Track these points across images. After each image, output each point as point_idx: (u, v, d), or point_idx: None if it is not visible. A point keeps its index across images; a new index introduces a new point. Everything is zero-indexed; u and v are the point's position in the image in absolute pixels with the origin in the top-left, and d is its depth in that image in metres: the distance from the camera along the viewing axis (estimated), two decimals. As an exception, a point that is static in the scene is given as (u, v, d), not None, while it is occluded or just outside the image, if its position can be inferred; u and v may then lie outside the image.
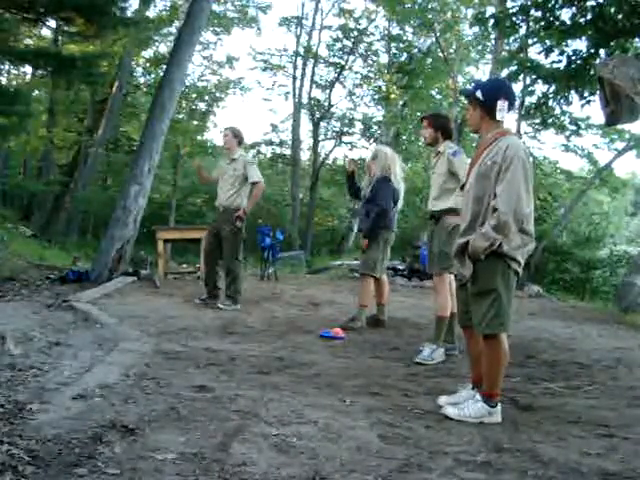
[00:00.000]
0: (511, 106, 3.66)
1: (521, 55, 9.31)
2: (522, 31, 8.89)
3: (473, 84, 3.91)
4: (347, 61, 24.25)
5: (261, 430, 3.04)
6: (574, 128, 12.83)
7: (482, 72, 25.73)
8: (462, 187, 3.89)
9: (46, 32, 17.61)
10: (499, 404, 3.54)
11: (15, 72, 21.51)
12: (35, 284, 7.97)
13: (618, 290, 10.36)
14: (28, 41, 16.92)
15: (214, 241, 7.21)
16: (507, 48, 12.77)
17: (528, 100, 9.98)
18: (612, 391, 4.40)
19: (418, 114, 22.11)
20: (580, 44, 8.09)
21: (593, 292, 15.17)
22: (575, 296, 13.64)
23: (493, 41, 16.77)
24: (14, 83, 20.21)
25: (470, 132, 4.66)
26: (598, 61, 7.43)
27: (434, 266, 5.29)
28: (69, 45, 14.75)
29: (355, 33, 23.81)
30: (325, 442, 2.96)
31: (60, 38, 15.36)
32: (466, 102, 3.76)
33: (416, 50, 22.53)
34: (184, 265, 12.92)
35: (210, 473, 2.48)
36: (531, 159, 3.59)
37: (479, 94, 3.55)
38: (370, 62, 24.66)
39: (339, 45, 24.05)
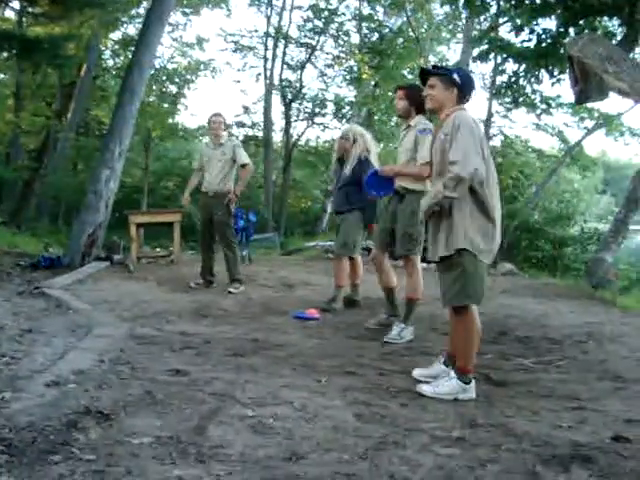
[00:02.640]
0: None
1: (492, 34, 9.32)
2: (493, 10, 8.90)
3: (438, 67, 4.04)
4: (318, 41, 24.06)
5: (237, 412, 3.05)
6: (544, 107, 12.94)
7: (453, 51, 25.79)
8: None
9: (9, 14, 17.19)
10: (473, 380, 3.59)
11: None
12: (6, 271, 7.86)
13: (588, 267, 10.50)
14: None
15: (208, 230, 7.29)
16: (478, 27, 12.82)
17: (499, 79, 10.02)
18: (583, 365, 4.48)
19: (390, 94, 22.11)
20: (550, 23, 8.13)
21: (565, 269, 15.37)
22: (547, 273, 13.81)
23: (464, 20, 16.78)
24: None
25: (428, 109, 4.48)
26: (567, 40, 7.46)
27: (400, 248, 5.21)
28: (34, 27, 14.42)
29: (326, 13, 23.59)
30: (301, 422, 2.97)
31: (24, 20, 15.00)
32: (429, 80, 3.79)
33: (387, 30, 22.46)
34: (157, 249, 12.84)
35: (187, 456, 2.49)
36: (482, 127, 3.72)
37: (456, 77, 3.68)
38: (341, 42, 24.47)
39: (310, 25, 23.83)
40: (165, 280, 7.59)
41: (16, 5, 10.51)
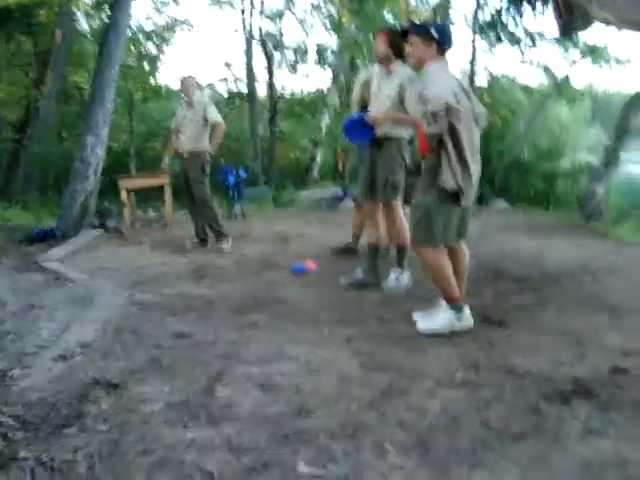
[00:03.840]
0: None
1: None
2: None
3: (416, 25, 4.05)
4: (295, -12, 23.58)
5: (244, 371, 3.10)
6: (529, 43, 12.75)
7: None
8: None
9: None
10: (466, 307, 3.71)
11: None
12: (1, 247, 7.84)
13: (580, 200, 10.55)
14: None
15: (190, 192, 7.30)
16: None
17: (481, 17, 9.87)
18: (579, 300, 4.55)
19: (372, 39, 21.77)
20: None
21: (557, 203, 15.41)
22: (540, 208, 13.86)
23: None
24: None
25: (412, 65, 4.42)
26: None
27: (381, 196, 5.13)
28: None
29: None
30: (307, 376, 3.03)
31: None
32: (409, 37, 3.84)
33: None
34: (150, 210, 12.81)
35: (198, 418, 2.54)
36: (461, 74, 3.78)
37: (434, 32, 3.72)
38: (319, -13, 23.99)
39: (285, -28, 23.32)
40: (160, 243, 7.59)
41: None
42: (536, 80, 20.32)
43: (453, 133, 3.56)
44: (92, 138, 8.73)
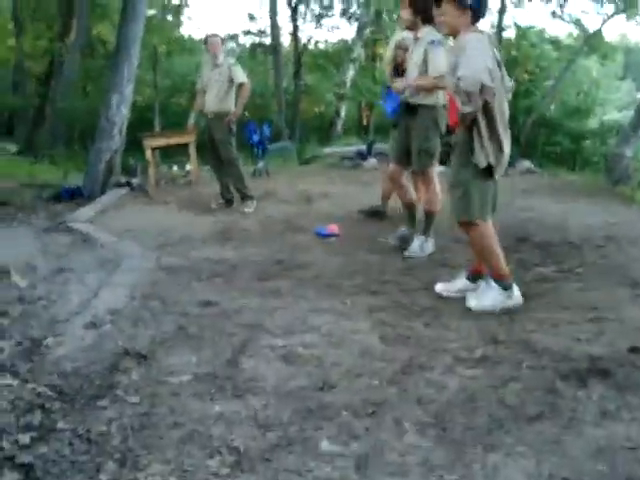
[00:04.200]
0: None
1: None
2: None
3: None
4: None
5: (268, 342, 3.19)
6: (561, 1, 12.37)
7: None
8: None
9: None
10: (514, 285, 3.72)
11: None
12: (29, 206, 7.98)
13: (608, 162, 10.41)
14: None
15: (215, 153, 7.36)
16: None
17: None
18: (602, 271, 4.55)
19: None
20: None
21: (584, 163, 15.22)
22: (566, 168, 13.71)
23: None
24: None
25: (445, 34, 4.37)
26: None
27: (415, 164, 5.21)
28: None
29: None
30: (330, 349, 3.11)
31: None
32: (441, 5, 3.76)
33: None
34: (174, 167, 12.88)
35: (224, 391, 2.64)
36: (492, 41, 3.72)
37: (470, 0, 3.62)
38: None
39: None
40: (185, 203, 7.68)
41: None
42: (567, 34, 19.83)
43: (486, 110, 3.53)
44: (117, 96, 8.78)
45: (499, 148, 3.60)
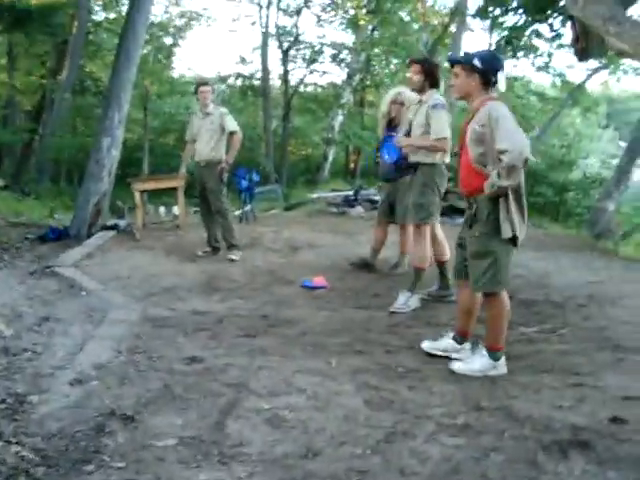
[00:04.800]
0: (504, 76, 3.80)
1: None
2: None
3: (464, 54, 3.99)
4: (313, -16, 23.57)
5: (253, 404, 3.20)
6: (546, 59, 12.70)
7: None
8: (455, 154, 4.06)
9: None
10: (503, 356, 3.77)
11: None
12: (15, 246, 7.96)
13: (590, 216, 10.60)
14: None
15: (206, 199, 7.42)
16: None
17: (498, 34, 9.90)
18: (584, 333, 4.62)
19: (387, 36, 21.78)
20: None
21: (567, 214, 15.46)
22: (549, 219, 13.90)
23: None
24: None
25: (456, 98, 4.58)
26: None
27: (410, 218, 5.39)
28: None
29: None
30: (314, 412, 3.13)
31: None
32: (454, 68, 3.83)
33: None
34: (162, 209, 12.91)
35: (210, 457, 2.65)
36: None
37: (477, 62, 3.65)
38: (337, -15, 23.97)
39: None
40: (172, 248, 7.69)
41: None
42: (551, 83, 20.26)
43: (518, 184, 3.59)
44: (107, 139, 8.85)
45: (523, 216, 3.67)
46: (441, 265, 5.55)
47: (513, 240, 3.65)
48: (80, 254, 7.20)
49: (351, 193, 12.66)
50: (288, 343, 4.28)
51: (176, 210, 10.22)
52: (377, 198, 11.73)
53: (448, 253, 5.51)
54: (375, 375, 3.68)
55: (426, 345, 4.13)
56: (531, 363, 3.95)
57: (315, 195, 14.77)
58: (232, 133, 7.28)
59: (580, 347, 4.28)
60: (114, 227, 8.84)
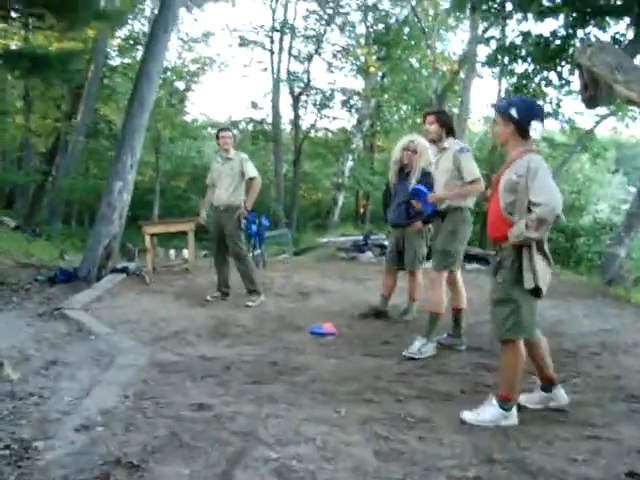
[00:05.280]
0: (542, 123, 3.76)
1: (498, 34, 9.34)
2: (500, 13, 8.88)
3: (505, 100, 4.04)
4: (324, 33, 24.04)
5: (261, 454, 3.14)
6: (555, 106, 12.81)
7: (461, 41, 25.61)
8: (485, 199, 4.11)
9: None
10: (514, 407, 3.72)
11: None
12: (24, 288, 7.99)
13: (602, 262, 10.54)
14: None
15: (222, 244, 7.39)
16: (484, 24, 12.76)
17: (508, 82, 10.03)
18: (597, 383, 4.55)
19: (397, 82, 22.08)
20: (557, 23, 8.11)
21: (578, 260, 15.40)
22: (560, 264, 13.82)
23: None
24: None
25: (499, 145, 4.75)
26: (577, 43, 7.47)
27: (435, 262, 5.36)
28: (41, 38, 14.56)
29: (331, 4, 23.54)
30: (323, 463, 3.07)
31: (30, 33, 15.10)
32: (496, 116, 3.89)
33: (393, 20, 22.39)
34: (172, 251, 12.95)
35: (215, 510, 2.59)
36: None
37: (513, 112, 3.67)
38: (347, 33, 24.44)
39: (315, 17, 23.80)
40: (182, 292, 7.70)
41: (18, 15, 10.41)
42: (559, 129, 20.39)
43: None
44: (119, 183, 8.94)
45: (547, 267, 3.66)
46: (457, 313, 5.51)
47: (536, 291, 3.63)
48: (89, 297, 7.21)
49: (361, 238, 12.68)
50: (296, 391, 4.23)
51: (186, 254, 10.28)
52: (386, 243, 11.71)
53: (465, 301, 5.52)
54: (384, 425, 3.62)
55: (523, 400, 4.02)
56: (544, 414, 3.88)
57: (325, 240, 14.80)
58: (252, 179, 7.32)
59: (594, 397, 4.21)
60: (124, 270, 8.87)
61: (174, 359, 4.92)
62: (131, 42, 21.50)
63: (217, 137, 7.60)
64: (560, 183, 18.18)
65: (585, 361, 5.11)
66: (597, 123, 17.77)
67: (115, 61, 22.56)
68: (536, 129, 3.65)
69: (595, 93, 6.32)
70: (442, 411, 3.89)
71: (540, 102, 15.98)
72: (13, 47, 13.75)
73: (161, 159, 20.95)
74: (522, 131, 3.66)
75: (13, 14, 9.32)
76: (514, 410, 3.72)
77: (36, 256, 11.82)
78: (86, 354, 4.96)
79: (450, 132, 5.40)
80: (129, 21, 21.45)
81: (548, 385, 3.99)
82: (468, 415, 3.75)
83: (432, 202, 5.40)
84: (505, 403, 3.70)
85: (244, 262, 7.31)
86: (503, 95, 11.04)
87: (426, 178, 5.96)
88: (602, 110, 17.53)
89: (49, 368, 4.54)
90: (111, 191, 8.97)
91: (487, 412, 3.71)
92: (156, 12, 10.59)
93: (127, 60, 22.02)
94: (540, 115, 3.74)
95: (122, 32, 21.95)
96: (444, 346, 5.43)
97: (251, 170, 7.32)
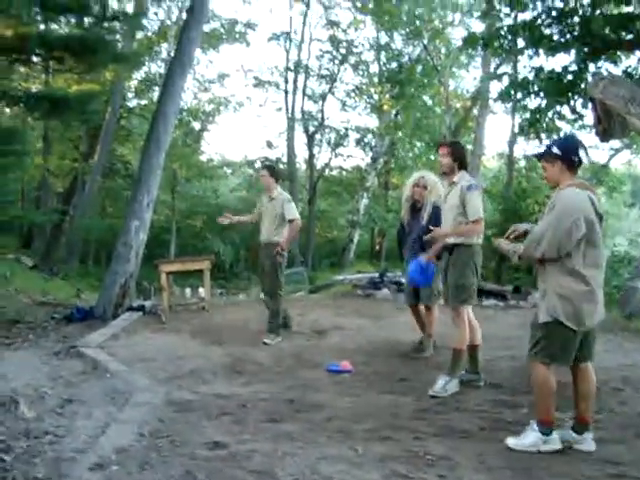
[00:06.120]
0: (585, 151, 3.86)
1: (510, 70, 9.41)
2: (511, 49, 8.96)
3: (545, 146, 4.13)
4: (338, 72, 24.33)
5: (278, 494, 3.09)
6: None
7: (473, 78, 25.82)
8: (493, 235, 4.17)
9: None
10: (554, 432, 3.73)
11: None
12: (41, 326, 8.03)
13: (621, 296, 10.40)
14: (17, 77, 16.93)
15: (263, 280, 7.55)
16: (496, 60, 12.87)
17: (521, 117, 10.07)
18: (621, 419, 4.45)
19: (410, 120, 22.21)
20: (569, 58, 8.16)
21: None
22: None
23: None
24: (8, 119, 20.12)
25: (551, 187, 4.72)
26: (589, 77, 7.50)
27: (450, 299, 5.31)
28: (60, 80, 14.87)
29: (344, 44, 23.88)
30: (341, 503, 3.00)
31: (51, 74, 15.44)
32: (541, 164, 3.96)
33: (406, 58, 22.62)
34: (187, 290, 12.97)
35: None
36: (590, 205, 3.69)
37: (556, 150, 3.76)
38: (361, 72, 24.73)
39: (329, 57, 24.12)
40: (198, 331, 7.65)
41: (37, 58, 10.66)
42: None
43: (550, 265, 3.69)
44: (136, 222, 9.00)
45: (570, 302, 3.65)
46: (472, 349, 5.43)
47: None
48: (105, 335, 7.21)
49: (377, 275, 12.61)
50: (313, 429, 4.17)
51: (202, 292, 10.27)
52: (403, 280, 11.63)
53: (480, 337, 5.44)
54: (403, 463, 3.55)
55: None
56: (567, 451, 3.79)
57: (341, 277, 14.74)
58: (291, 221, 7.35)
59: (618, 434, 4.11)
60: (140, 308, 8.87)
61: (190, 397, 4.88)
62: (148, 84, 21.88)
63: (260, 178, 7.80)
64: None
65: (608, 397, 5.00)
66: (611, 156, 17.76)
67: (132, 102, 22.94)
68: (583, 156, 3.76)
69: (608, 126, 6.35)
70: (462, 449, 3.81)
71: (554, 136, 16.07)
72: (33, 90, 13.98)
73: (177, 198, 21.13)
74: (570, 164, 3.74)
75: (34, 58, 9.56)
76: (555, 435, 3.73)
77: (53, 295, 11.89)
78: (102, 392, 4.93)
79: (462, 166, 5.33)
80: (146, 63, 21.91)
81: (582, 427, 3.89)
82: (511, 441, 3.80)
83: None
84: (543, 427, 3.72)
85: (275, 300, 7.32)
86: (517, 130, 11.09)
87: (435, 212, 5.95)
88: (616, 143, 17.52)
89: (64, 406, 4.51)
90: (128, 230, 9.03)
91: (528, 437, 3.76)
92: (172, 54, 10.80)
93: (144, 101, 22.38)
94: (581, 143, 3.84)
95: (139, 74, 22.41)
96: (462, 383, 5.35)
97: (291, 212, 7.34)
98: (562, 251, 3.60)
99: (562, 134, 8.81)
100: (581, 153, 3.76)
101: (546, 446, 3.70)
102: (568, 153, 3.73)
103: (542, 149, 4.16)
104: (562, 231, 3.57)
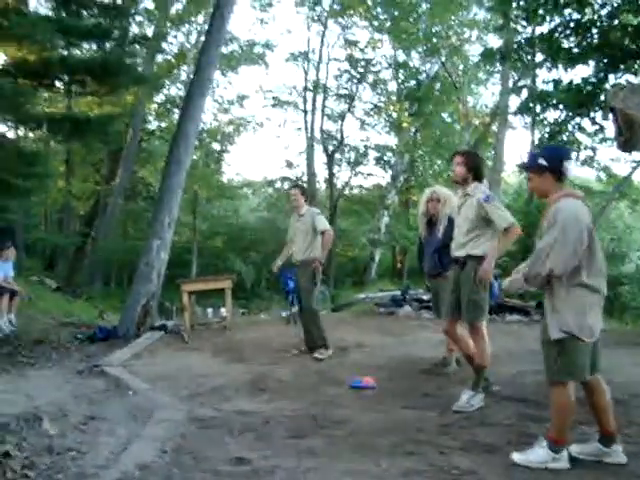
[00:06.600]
0: (570, 161, 3.85)
1: (529, 83, 9.38)
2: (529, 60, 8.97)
3: (528, 158, 4.06)
4: (357, 90, 24.45)
5: (301, 510, 3.05)
6: (590, 153, 12.73)
7: (492, 93, 25.81)
8: None
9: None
10: (565, 450, 3.63)
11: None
12: (64, 346, 8.08)
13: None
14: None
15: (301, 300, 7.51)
16: (514, 75, 12.86)
17: (540, 132, 10.03)
18: (651, 434, 4.35)
19: (430, 137, 22.23)
20: (588, 70, 8.14)
21: (622, 308, 15.02)
22: (604, 314, 13.46)
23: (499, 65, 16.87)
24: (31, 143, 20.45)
25: (541, 199, 4.61)
26: (609, 87, 7.46)
27: (466, 315, 5.20)
28: (82, 102, 15.08)
29: (362, 63, 24.02)
30: (365, 518, 2.96)
31: (73, 98, 15.67)
32: (527, 175, 3.93)
33: (424, 76, 22.69)
34: (209, 309, 12.97)
35: None
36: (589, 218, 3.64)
37: (542, 161, 3.69)
38: (379, 91, 24.83)
39: (347, 76, 24.26)
40: (220, 349, 7.66)
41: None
42: (595, 177, 20.18)
43: (557, 282, 3.59)
44: (157, 242, 9.08)
45: (581, 314, 3.58)
46: (470, 359, 5.34)
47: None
48: (128, 354, 7.24)
49: (399, 293, 12.54)
50: (336, 444, 4.12)
51: (224, 311, 10.28)
52: (425, 297, 11.55)
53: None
54: (428, 478, 3.49)
55: (575, 450, 3.85)
56: (596, 465, 3.70)
57: (362, 296, 14.68)
58: (323, 232, 7.31)
59: (648, 448, 4.01)
60: (162, 328, 8.90)
61: (212, 414, 4.86)
62: (168, 106, 22.14)
63: (289, 197, 7.81)
64: (600, 231, 17.92)
65: (637, 410, 4.91)
66: (634, 169, 17.50)
67: (152, 125, 23.23)
68: (568, 168, 3.68)
69: (630, 136, 6.28)
70: (488, 463, 3.74)
71: (574, 151, 15.96)
72: (55, 113, 14.21)
73: (198, 219, 21.27)
74: (557, 175, 3.67)
75: (57, 82, 9.73)
76: (565, 453, 3.61)
77: (76, 316, 11.98)
78: (124, 409, 4.93)
79: (477, 177, 5.17)
80: (166, 86, 22.21)
81: (608, 439, 3.80)
82: (517, 456, 3.69)
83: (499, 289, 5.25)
84: (554, 445, 3.61)
85: (313, 316, 7.34)
86: (536, 144, 11.04)
87: (450, 224, 5.81)
88: (638, 155, 17.32)
89: (87, 423, 4.52)
90: (150, 250, 9.10)
91: (536, 453, 3.65)
92: (192, 77, 10.92)
93: (164, 124, 22.65)
94: (568, 154, 3.86)
95: (159, 97, 22.71)
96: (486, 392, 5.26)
97: (321, 224, 7.32)
98: (571, 265, 3.50)
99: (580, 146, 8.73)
100: (567, 164, 3.69)
101: (555, 463, 3.59)
102: (556, 164, 3.67)
103: (527, 159, 4.09)
104: (570, 245, 3.48)
